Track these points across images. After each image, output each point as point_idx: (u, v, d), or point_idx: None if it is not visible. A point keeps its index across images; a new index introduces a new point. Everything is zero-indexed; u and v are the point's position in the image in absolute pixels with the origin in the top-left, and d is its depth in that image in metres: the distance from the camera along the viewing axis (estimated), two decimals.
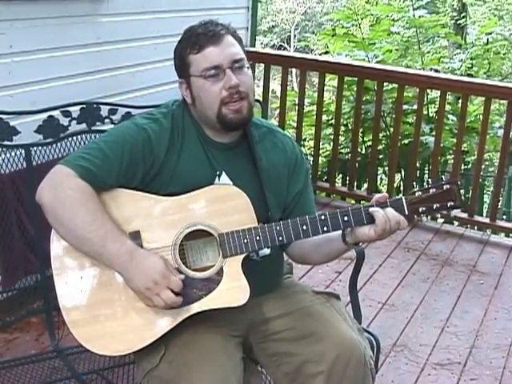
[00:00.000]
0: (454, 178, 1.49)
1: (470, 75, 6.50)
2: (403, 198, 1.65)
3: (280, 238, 1.65)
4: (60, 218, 1.57)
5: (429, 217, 4.45)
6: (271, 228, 1.65)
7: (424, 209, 1.65)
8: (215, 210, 1.65)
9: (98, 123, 2.27)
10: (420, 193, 1.65)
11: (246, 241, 1.63)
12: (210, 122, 1.71)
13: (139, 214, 1.63)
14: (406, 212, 1.63)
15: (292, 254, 1.86)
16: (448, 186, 1.64)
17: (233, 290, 1.63)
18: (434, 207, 1.65)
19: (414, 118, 4.65)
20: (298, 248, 1.82)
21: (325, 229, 1.65)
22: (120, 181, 1.63)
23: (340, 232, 1.69)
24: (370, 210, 1.63)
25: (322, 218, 1.65)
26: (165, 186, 1.68)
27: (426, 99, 4.91)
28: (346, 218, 1.65)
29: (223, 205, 1.65)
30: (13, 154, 2.13)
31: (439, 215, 3.82)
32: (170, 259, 1.62)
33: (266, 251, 1.76)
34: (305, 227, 1.65)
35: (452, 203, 1.65)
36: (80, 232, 1.56)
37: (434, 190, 1.64)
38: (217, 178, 1.73)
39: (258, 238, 1.64)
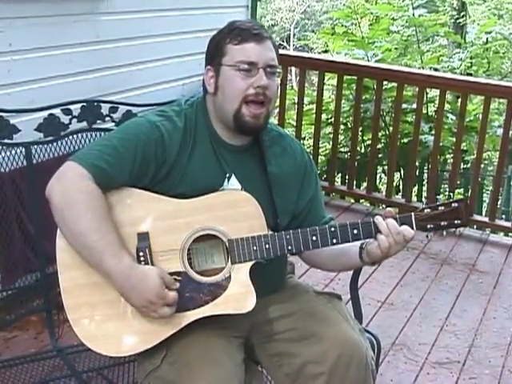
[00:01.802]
0: (463, 197, 1.58)
1: (469, 74, 6.50)
2: (412, 214, 1.67)
3: (289, 247, 1.65)
4: (66, 220, 1.55)
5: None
6: (281, 237, 1.64)
7: (432, 226, 1.68)
8: (225, 215, 1.64)
9: (98, 121, 2.26)
10: (429, 210, 1.68)
11: (255, 248, 1.63)
12: (226, 117, 1.69)
13: (149, 216, 1.62)
14: (415, 228, 1.66)
15: (305, 259, 1.86)
16: (456, 205, 1.68)
17: (239, 297, 1.62)
18: (442, 224, 1.68)
19: (414, 116, 4.65)
20: (313, 256, 1.81)
21: (334, 241, 1.66)
22: (131, 179, 1.62)
23: (358, 250, 1.70)
24: (377, 221, 1.64)
25: (332, 229, 1.65)
26: (174, 186, 1.66)
27: (425, 98, 4.91)
28: (355, 231, 1.65)
29: (234, 210, 1.64)
30: (13, 152, 2.12)
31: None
32: (177, 263, 1.61)
33: None
34: (314, 238, 1.65)
35: (459, 221, 1.68)
36: (82, 239, 1.54)
37: (443, 207, 1.68)
38: (226, 180, 1.71)
39: (267, 246, 1.64)
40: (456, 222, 1.68)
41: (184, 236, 1.62)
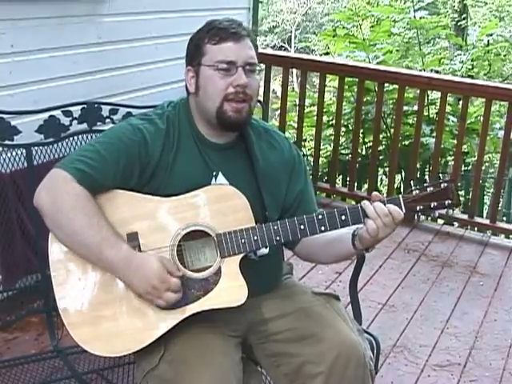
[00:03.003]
0: (450, 177, 1.50)
1: (470, 76, 6.50)
2: (400, 196, 1.64)
3: (277, 238, 1.65)
4: (58, 222, 1.58)
5: (429, 218, 4.45)
6: (269, 228, 1.65)
7: (421, 207, 1.64)
8: (213, 210, 1.65)
9: (98, 123, 2.27)
10: (417, 191, 1.64)
11: (243, 241, 1.63)
12: (208, 115, 1.71)
13: (137, 216, 1.63)
14: (404, 210, 1.63)
15: (299, 252, 1.87)
16: (445, 185, 1.64)
17: (231, 290, 1.63)
18: (432, 206, 1.64)
19: (415, 119, 4.65)
20: (306, 247, 1.82)
21: (322, 228, 1.65)
22: (116, 182, 1.63)
23: (350, 236, 1.69)
24: (363, 205, 1.62)
25: (320, 217, 1.65)
26: (162, 187, 1.68)
27: (426, 100, 4.91)
28: (343, 218, 1.64)
29: (221, 205, 1.66)
30: (14, 153, 2.13)
31: (438, 215, 3.83)
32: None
33: (265, 251, 1.76)
34: (302, 227, 1.65)
35: (449, 202, 1.64)
36: (78, 237, 1.56)
37: (432, 188, 1.64)
38: (213, 178, 1.73)
39: (255, 237, 1.64)
40: (447, 202, 1.64)
41: (172, 233, 1.63)
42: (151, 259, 1.57)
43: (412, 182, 1.70)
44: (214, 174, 1.73)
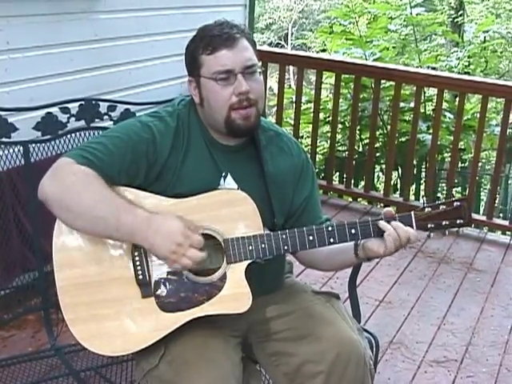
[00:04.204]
0: (464, 196, 1.51)
1: (467, 73, 6.51)
2: (412, 213, 1.64)
3: (285, 247, 1.64)
4: (68, 204, 1.53)
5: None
6: (277, 236, 1.63)
7: (433, 225, 1.64)
8: (221, 214, 1.63)
9: (96, 120, 2.26)
10: (430, 209, 1.64)
11: (251, 248, 1.62)
12: (217, 125, 1.69)
13: None
14: (415, 228, 1.63)
15: (302, 259, 1.85)
16: (458, 204, 1.63)
17: (234, 297, 1.62)
18: (443, 224, 1.64)
19: (411, 115, 4.66)
20: (308, 255, 1.80)
21: (331, 240, 1.64)
22: (122, 178, 1.61)
23: (353, 245, 1.68)
24: (380, 224, 1.62)
25: (329, 229, 1.63)
26: (171, 186, 1.66)
27: (423, 97, 4.91)
28: (353, 231, 1.63)
29: (230, 210, 1.63)
30: (11, 150, 2.12)
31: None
32: None
33: None
34: (311, 237, 1.63)
35: (461, 221, 1.64)
36: (92, 213, 1.52)
37: (444, 206, 1.64)
38: (222, 179, 1.71)
39: (263, 245, 1.62)
40: (458, 221, 1.64)
41: None
42: (171, 217, 1.54)
43: (425, 199, 1.68)
44: (223, 174, 1.71)
